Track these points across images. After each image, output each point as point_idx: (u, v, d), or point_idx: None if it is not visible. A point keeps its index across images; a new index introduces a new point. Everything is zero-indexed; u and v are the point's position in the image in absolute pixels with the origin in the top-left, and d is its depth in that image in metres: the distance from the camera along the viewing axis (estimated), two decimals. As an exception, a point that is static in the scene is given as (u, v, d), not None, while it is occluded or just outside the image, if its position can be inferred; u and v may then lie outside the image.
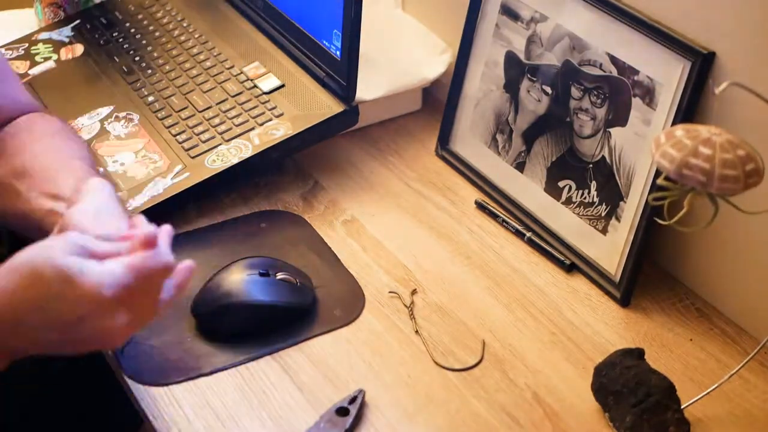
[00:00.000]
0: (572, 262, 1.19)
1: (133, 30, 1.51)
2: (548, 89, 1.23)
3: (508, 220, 1.25)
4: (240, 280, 1.08)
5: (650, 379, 0.97)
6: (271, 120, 1.30)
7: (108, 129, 1.33)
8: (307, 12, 1.37)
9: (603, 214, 1.17)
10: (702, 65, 1.06)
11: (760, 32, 1.02)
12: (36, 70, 1.45)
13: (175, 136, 1.31)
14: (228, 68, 1.39)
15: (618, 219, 1.15)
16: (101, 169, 1.23)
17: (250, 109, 1.32)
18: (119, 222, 0.94)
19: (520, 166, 1.27)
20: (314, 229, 1.23)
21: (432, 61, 1.43)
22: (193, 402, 1.01)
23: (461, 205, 1.29)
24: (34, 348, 0.90)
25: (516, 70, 1.27)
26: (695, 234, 1.12)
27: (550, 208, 1.23)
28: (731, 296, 1.12)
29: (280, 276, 1.10)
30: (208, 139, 1.29)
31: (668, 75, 1.09)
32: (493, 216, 1.26)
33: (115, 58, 1.46)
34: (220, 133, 1.30)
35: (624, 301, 1.14)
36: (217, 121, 1.32)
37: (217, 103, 1.34)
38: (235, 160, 1.26)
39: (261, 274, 1.08)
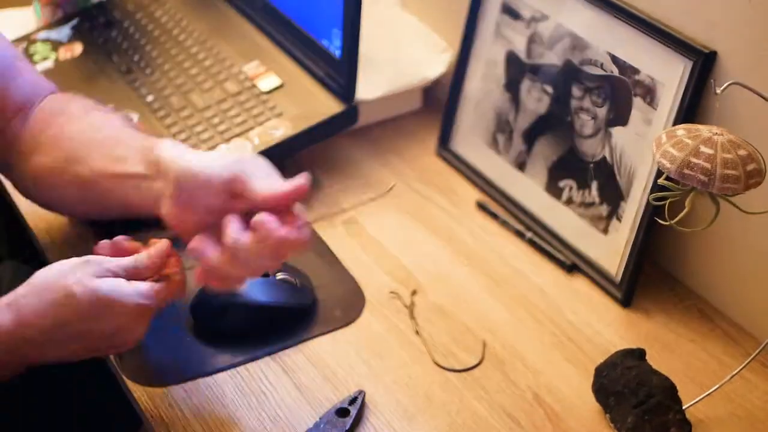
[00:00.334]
0: (573, 263, 1.18)
1: (132, 29, 1.50)
2: (549, 89, 1.22)
3: (509, 220, 1.25)
4: (239, 280, 1.07)
5: (651, 379, 0.97)
6: (270, 119, 1.30)
7: (107, 129, 1.33)
8: (306, 11, 1.37)
9: (604, 214, 1.16)
10: (703, 65, 1.05)
11: (762, 31, 1.02)
12: (35, 70, 1.45)
13: (174, 135, 1.30)
14: (227, 67, 1.39)
15: (619, 219, 1.15)
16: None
17: (250, 109, 1.32)
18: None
19: (521, 166, 1.26)
20: (314, 229, 1.23)
21: (432, 60, 1.42)
22: (192, 403, 1.01)
23: (462, 205, 1.28)
24: (55, 358, 0.97)
25: (517, 70, 1.26)
26: (696, 234, 1.11)
27: (551, 208, 1.22)
28: (733, 297, 1.12)
29: (279, 276, 1.10)
30: (207, 139, 1.29)
31: (669, 74, 1.08)
32: (494, 216, 1.26)
33: (114, 57, 1.46)
34: (220, 133, 1.29)
35: (625, 302, 1.14)
36: (216, 120, 1.31)
37: (217, 103, 1.34)
38: (235, 160, 1.25)
39: (261, 275, 1.08)
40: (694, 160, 0.85)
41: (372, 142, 1.39)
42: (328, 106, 1.30)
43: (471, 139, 1.33)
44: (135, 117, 1.34)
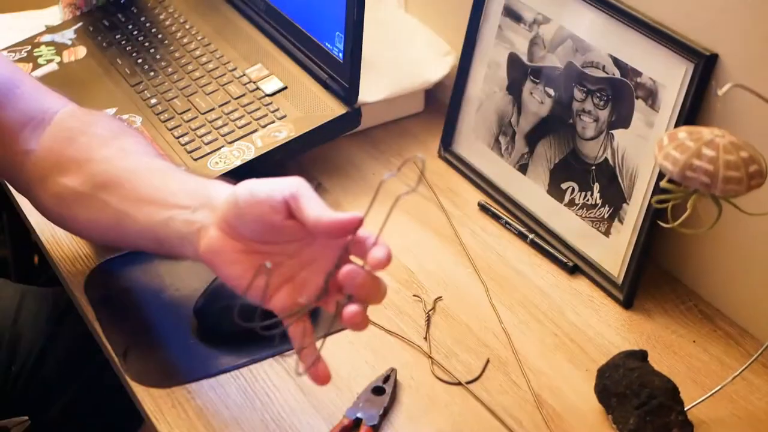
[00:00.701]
0: (575, 264, 1.19)
1: (135, 32, 1.51)
2: (551, 91, 1.23)
3: (511, 222, 1.25)
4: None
5: (653, 380, 0.97)
6: (273, 122, 1.30)
7: (111, 131, 1.33)
8: (309, 14, 1.37)
9: (606, 216, 1.17)
10: (705, 67, 1.05)
11: (763, 34, 1.02)
12: (39, 73, 1.45)
13: (177, 138, 1.31)
14: (230, 70, 1.39)
15: (621, 221, 1.15)
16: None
17: (253, 111, 1.32)
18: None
19: (523, 168, 1.27)
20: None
21: (435, 62, 1.43)
22: (195, 404, 1.01)
23: (464, 207, 1.29)
24: None
25: (519, 72, 1.27)
26: (698, 236, 1.11)
27: (553, 210, 1.22)
28: (734, 298, 1.12)
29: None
30: (210, 141, 1.29)
31: (671, 77, 1.09)
32: (496, 218, 1.26)
33: (118, 60, 1.46)
34: (223, 135, 1.30)
35: (627, 303, 1.14)
36: (219, 123, 1.32)
37: (220, 105, 1.34)
38: (238, 162, 1.26)
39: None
40: (697, 162, 0.85)
41: (374, 144, 1.39)
42: (330, 108, 1.30)
43: (473, 141, 1.33)
44: (138, 120, 1.34)
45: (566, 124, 1.21)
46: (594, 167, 1.18)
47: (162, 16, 1.52)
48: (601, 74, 1.16)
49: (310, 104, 1.32)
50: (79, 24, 1.54)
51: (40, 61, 1.47)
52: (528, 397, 1.03)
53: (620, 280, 1.14)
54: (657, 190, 1.08)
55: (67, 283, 1.16)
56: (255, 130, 1.29)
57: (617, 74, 1.14)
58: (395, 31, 1.50)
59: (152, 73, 1.42)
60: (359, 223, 0.88)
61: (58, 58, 1.48)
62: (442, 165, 1.36)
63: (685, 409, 0.97)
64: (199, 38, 1.46)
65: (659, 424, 0.95)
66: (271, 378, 1.04)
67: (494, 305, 1.14)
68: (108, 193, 1.03)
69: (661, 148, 0.88)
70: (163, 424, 0.99)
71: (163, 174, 1.03)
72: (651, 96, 1.11)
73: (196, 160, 1.27)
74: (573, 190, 1.21)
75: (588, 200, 1.19)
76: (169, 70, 1.42)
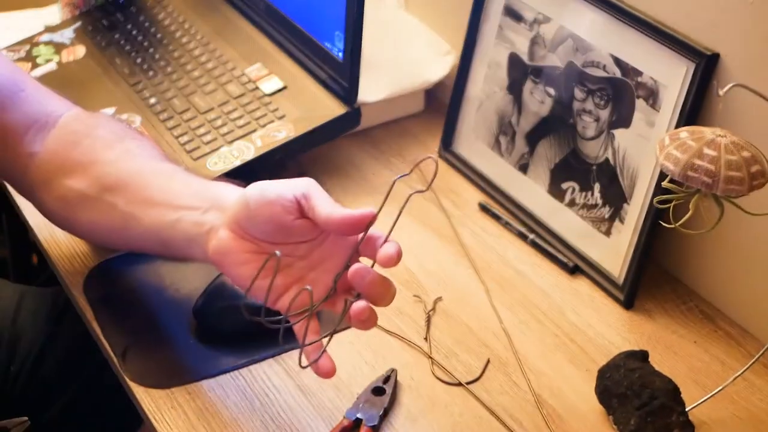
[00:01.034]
0: (575, 264, 1.18)
1: (134, 32, 1.50)
2: (551, 91, 1.22)
3: (511, 222, 1.25)
4: (242, 282, 1.07)
5: (654, 381, 0.97)
6: (273, 122, 1.30)
7: (110, 131, 1.33)
8: (309, 13, 1.37)
9: (606, 216, 1.16)
10: (706, 66, 1.05)
11: (764, 33, 1.02)
12: (37, 73, 1.45)
13: (177, 138, 1.31)
14: (230, 70, 1.39)
15: (621, 221, 1.15)
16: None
17: (252, 111, 1.32)
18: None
19: (524, 168, 1.26)
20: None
21: (435, 62, 1.42)
22: (195, 405, 1.01)
23: (464, 207, 1.28)
24: None
25: (519, 72, 1.26)
26: (699, 236, 1.11)
27: (554, 210, 1.22)
28: (735, 298, 1.12)
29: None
30: (209, 141, 1.29)
31: (672, 76, 1.08)
32: (496, 218, 1.26)
33: (117, 60, 1.46)
34: (222, 135, 1.29)
35: (627, 303, 1.14)
36: (219, 122, 1.31)
37: (219, 105, 1.34)
38: (237, 162, 1.25)
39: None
40: (698, 162, 0.85)
41: (374, 144, 1.39)
42: (330, 108, 1.30)
43: (473, 141, 1.33)
44: (137, 119, 1.34)
45: (567, 124, 1.21)
46: (595, 167, 1.18)
47: (161, 16, 1.52)
48: (601, 74, 1.16)
49: (310, 104, 1.31)
50: (78, 23, 1.54)
51: (39, 60, 1.47)
52: (528, 397, 1.03)
53: (621, 281, 1.14)
54: (658, 190, 1.08)
55: (66, 283, 1.16)
56: (254, 130, 1.29)
57: (618, 74, 1.14)
58: (395, 31, 1.49)
59: (151, 73, 1.42)
60: (372, 218, 0.88)
61: (56, 58, 1.48)
62: (443, 165, 1.35)
63: (686, 409, 0.97)
64: (198, 38, 1.46)
65: (660, 424, 0.95)
66: (271, 378, 1.04)
67: (494, 305, 1.14)
68: (114, 196, 1.03)
69: (663, 148, 0.88)
70: (162, 424, 0.99)
71: (169, 176, 1.03)
72: (652, 96, 1.11)
73: (195, 160, 1.27)
74: (573, 190, 1.20)
75: (588, 200, 1.19)
76: (169, 69, 1.42)
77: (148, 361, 1.06)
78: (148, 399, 1.02)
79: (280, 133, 1.28)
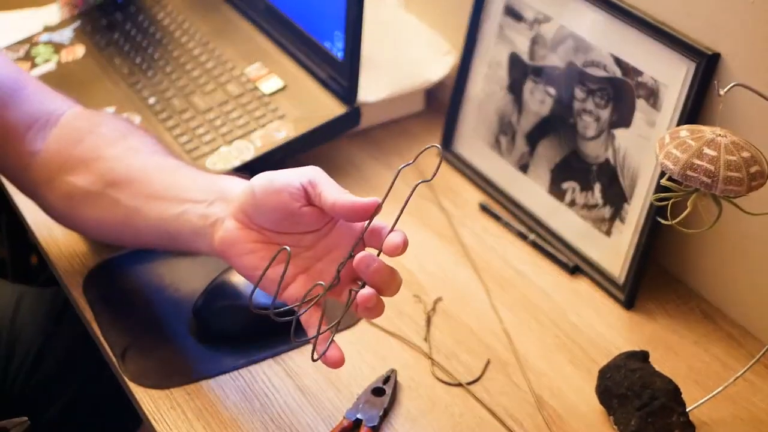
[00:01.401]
0: (576, 265, 1.18)
1: (134, 31, 1.50)
2: (552, 91, 1.22)
3: (511, 222, 1.25)
4: (242, 282, 1.07)
5: (655, 381, 0.97)
6: (272, 122, 1.30)
7: (109, 131, 1.33)
8: (308, 13, 1.37)
9: (607, 216, 1.16)
10: (706, 66, 1.05)
11: (765, 33, 1.01)
12: (36, 72, 1.45)
13: (176, 137, 1.30)
14: (229, 69, 1.39)
15: (622, 221, 1.14)
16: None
17: (252, 111, 1.32)
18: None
19: (524, 168, 1.26)
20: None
21: (435, 62, 1.42)
22: (194, 405, 1.01)
23: (464, 207, 1.28)
24: None
25: (519, 72, 1.26)
26: (699, 236, 1.11)
27: (554, 210, 1.22)
28: (736, 298, 1.12)
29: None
30: (209, 141, 1.29)
31: (672, 76, 1.08)
32: (496, 218, 1.26)
33: (116, 59, 1.46)
34: (222, 135, 1.29)
35: (628, 304, 1.14)
36: (218, 122, 1.31)
37: (219, 105, 1.34)
38: (237, 162, 1.25)
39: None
40: (697, 161, 0.85)
41: (374, 144, 1.39)
42: (330, 108, 1.30)
43: (474, 141, 1.33)
44: (137, 119, 1.34)
45: (567, 124, 1.21)
46: (595, 167, 1.18)
47: (160, 16, 1.52)
48: (602, 73, 1.16)
49: (310, 104, 1.31)
50: (77, 23, 1.54)
51: (38, 60, 1.47)
52: (529, 398, 1.03)
53: (621, 281, 1.14)
54: (658, 189, 1.08)
55: (65, 283, 1.16)
56: (254, 130, 1.29)
57: (618, 74, 1.14)
58: (395, 31, 1.49)
59: (150, 73, 1.42)
60: (378, 207, 0.89)
61: (56, 58, 1.48)
62: (443, 165, 1.35)
63: (687, 410, 0.97)
64: (197, 37, 1.46)
65: (661, 425, 0.95)
66: (271, 379, 1.04)
67: (495, 306, 1.14)
68: (118, 191, 1.03)
69: (663, 147, 0.88)
70: (161, 425, 0.99)
71: (173, 171, 1.04)
72: (652, 95, 1.10)
73: (194, 160, 1.27)
74: (574, 190, 1.20)
75: (589, 200, 1.19)
76: (168, 69, 1.42)
77: (148, 362, 1.06)
78: (147, 399, 1.01)
79: (280, 133, 1.28)
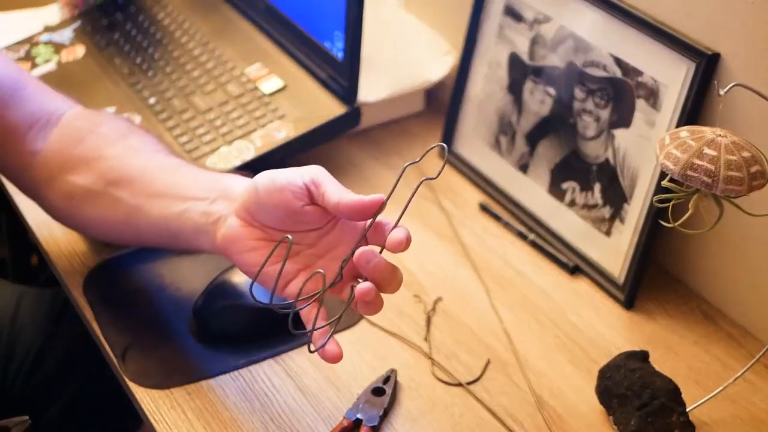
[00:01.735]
0: (576, 265, 1.18)
1: (134, 32, 1.50)
2: (552, 91, 1.22)
3: (511, 222, 1.25)
4: (242, 282, 1.07)
5: (655, 381, 0.97)
6: (272, 122, 1.30)
7: (109, 131, 1.33)
8: (308, 13, 1.37)
9: (607, 216, 1.16)
10: (706, 66, 1.05)
11: (765, 33, 1.01)
12: (37, 72, 1.45)
13: (176, 137, 1.30)
14: (229, 70, 1.39)
15: (622, 221, 1.14)
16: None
17: (252, 111, 1.32)
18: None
19: (524, 168, 1.26)
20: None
21: (435, 62, 1.42)
22: (194, 405, 1.01)
23: (464, 207, 1.28)
24: None
25: (519, 72, 1.26)
26: (700, 236, 1.11)
27: (554, 210, 1.22)
28: (736, 298, 1.12)
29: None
30: (209, 141, 1.29)
31: (672, 76, 1.08)
32: (496, 218, 1.26)
33: (116, 59, 1.46)
34: (222, 135, 1.29)
35: (628, 304, 1.14)
36: (218, 122, 1.31)
37: (219, 105, 1.34)
38: (237, 162, 1.25)
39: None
40: (698, 161, 0.85)
41: (374, 144, 1.39)
42: (330, 108, 1.30)
43: (474, 141, 1.33)
44: (137, 119, 1.34)
45: (567, 124, 1.21)
46: (595, 167, 1.18)
47: (160, 16, 1.52)
48: (602, 74, 1.16)
49: (310, 104, 1.31)
50: (78, 23, 1.54)
51: (38, 60, 1.47)
52: (529, 398, 1.03)
53: (621, 281, 1.14)
54: (658, 189, 1.08)
55: (65, 283, 1.16)
56: (254, 130, 1.29)
57: (618, 74, 1.14)
58: (395, 31, 1.49)
59: (151, 73, 1.42)
60: (382, 204, 0.89)
61: (56, 58, 1.48)
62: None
63: (687, 410, 0.97)
64: (197, 37, 1.46)
65: (661, 425, 0.95)
66: (271, 379, 1.04)
67: (495, 306, 1.14)
68: (119, 190, 1.03)
69: (663, 147, 0.87)
70: (161, 425, 0.99)
71: (175, 169, 1.04)
72: (652, 95, 1.10)
73: (195, 159, 1.26)
74: (574, 190, 1.20)
75: (589, 200, 1.19)
76: (168, 69, 1.42)
77: (148, 361, 1.06)
78: (147, 399, 1.01)
79: (280, 133, 1.28)
